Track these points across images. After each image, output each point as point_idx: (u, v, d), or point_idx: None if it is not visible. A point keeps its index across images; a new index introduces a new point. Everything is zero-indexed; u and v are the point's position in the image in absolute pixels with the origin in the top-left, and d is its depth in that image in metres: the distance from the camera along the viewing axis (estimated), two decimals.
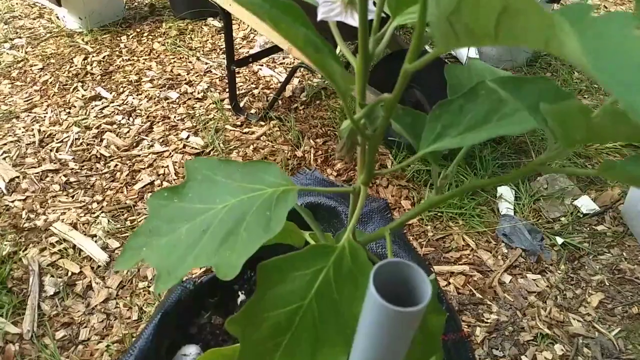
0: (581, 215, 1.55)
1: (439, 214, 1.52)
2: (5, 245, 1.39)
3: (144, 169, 1.68)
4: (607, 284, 1.35)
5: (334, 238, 0.57)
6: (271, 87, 2.08)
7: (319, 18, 0.43)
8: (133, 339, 0.93)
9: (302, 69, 2.05)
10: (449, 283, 1.31)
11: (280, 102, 1.96)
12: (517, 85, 0.41)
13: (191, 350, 0.69)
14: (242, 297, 0.76)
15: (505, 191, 1.59)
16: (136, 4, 2.76)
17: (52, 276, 1.31)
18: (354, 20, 0.42)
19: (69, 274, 1.33)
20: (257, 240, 0.42)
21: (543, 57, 2.29)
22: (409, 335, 0.35)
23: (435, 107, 0.44)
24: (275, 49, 1.90)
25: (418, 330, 0.46)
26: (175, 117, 1.90)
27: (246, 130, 1.83)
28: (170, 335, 0.70)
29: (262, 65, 2.21)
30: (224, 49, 1.78)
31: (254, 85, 2.10)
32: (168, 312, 0.68)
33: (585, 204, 1.57)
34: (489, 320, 1.24)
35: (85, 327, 1.21)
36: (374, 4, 0.42)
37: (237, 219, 0.44)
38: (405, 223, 1.38)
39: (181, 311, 0.71)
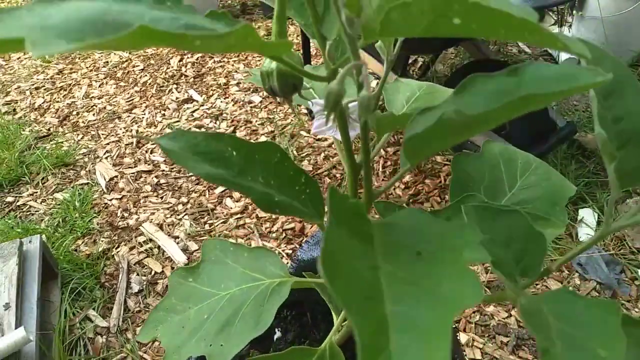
0: None
1: None
2: (101, 241, 1.57)
3: None
4: None
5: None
6: None
7: (312, 131, 0.46)
8: None
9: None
10: (510, 315, 1.27)
11: None
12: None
13: None
14: (277, 334, 0.80)
15: (587, 214, 1.48)
16: (229, 2, 2.88)
17: (138, 274, 1.47)
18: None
19: (152, 272, 1.48)
20: (247, 335, 0.47)
21: None
22: None
23: None
24: None
25: None
26: (256, 121, 1.99)
27: (319, 137, 1.88)
28: None
29: None
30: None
31: None
32: None
33: None
34: None
35: None
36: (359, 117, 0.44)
37: (235, 309, 0.49)
38: None
39: None
